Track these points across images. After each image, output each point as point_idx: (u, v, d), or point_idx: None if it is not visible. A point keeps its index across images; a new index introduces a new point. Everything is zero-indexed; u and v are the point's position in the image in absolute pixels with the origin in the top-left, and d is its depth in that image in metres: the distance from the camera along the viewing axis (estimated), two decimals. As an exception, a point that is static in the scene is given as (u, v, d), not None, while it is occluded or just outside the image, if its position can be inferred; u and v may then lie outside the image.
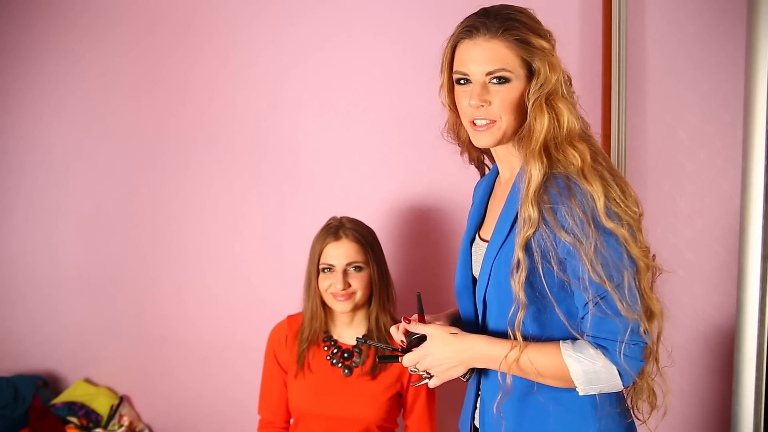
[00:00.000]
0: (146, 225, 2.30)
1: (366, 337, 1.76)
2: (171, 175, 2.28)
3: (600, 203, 1.09)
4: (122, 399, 2.30)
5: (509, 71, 1.16)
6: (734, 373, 1.34)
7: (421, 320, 1.28)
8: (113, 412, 2.25)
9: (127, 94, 2.28)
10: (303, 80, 2.19)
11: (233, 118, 2.23)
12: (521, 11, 1.19)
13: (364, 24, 2.14)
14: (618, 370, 1.11)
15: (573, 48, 1.99)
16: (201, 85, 2.24)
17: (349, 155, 2.18)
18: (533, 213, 1.11)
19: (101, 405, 2.25)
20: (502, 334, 1.21)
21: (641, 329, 1.10)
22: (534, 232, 1.12)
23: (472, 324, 1.30)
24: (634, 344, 1.10)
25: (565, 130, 1.15)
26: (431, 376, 1.25)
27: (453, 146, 1.42)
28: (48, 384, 2.33)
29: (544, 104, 1.15)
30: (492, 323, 1.25)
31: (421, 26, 2.10)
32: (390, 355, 1.32)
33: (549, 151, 1.15)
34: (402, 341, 1.28)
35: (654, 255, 1.18)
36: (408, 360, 1.25)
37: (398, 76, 2.13)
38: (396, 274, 2.10)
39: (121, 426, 2.24)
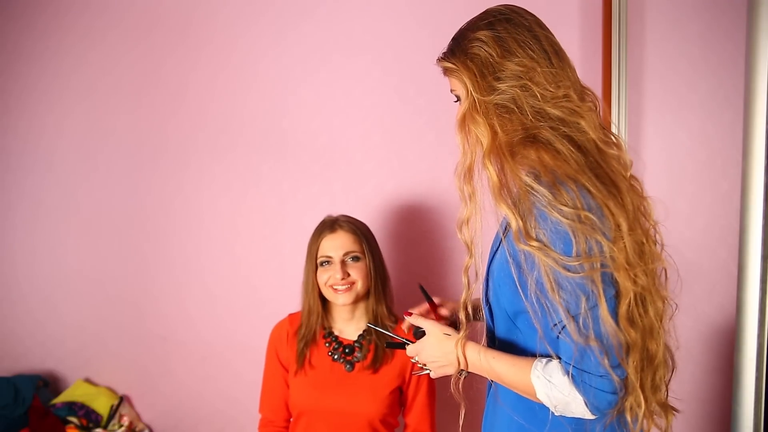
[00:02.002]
0: (147, 225, 2.30)
1: (366, 332, 1.78)
2: (171, 175, 2.28)
3: (563, 227, 1.03)
4: (122, 399, 2.30)
5: (457, 93, 1.20)
6: (734, 373, 1.34)
7: (432, 307, 1.39)
8: (113, 412, 2.25)
9: (127, 95, 2.29)
10: (303, 80, 2.19)
11: (233, 119, 2.23)
12: (461, 36, 1.18)
13: (364, 24, 2.14)
14: (583, 401, 1.06)
15: (573, 48, 1.99)
16: (201, 86, 2.24)
17: (349, 155, 2.18)
18: (534, 245, 1.06)
19: (101, 405, 2.25)
20: (507, 341, 1.22)
21: (604, 361, 1.03)
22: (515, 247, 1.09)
23: (489, 329, 1.30)
24: (599, 376, 1.04)
25: (485, 147, 1.11)
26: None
27: (453, 146, 1.41)
28: (48, 384, 2.33)
29: (462, 138, 1.15)
30: (498, 328, 1.25)
31: (420, 26, 2.10)
32: (397, 343, 1.42)
33: (506, 182, 1.10)
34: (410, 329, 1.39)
35: (664, 268, 1.16)
36: (409, 350, 1.32)
37: (398, 77, 2.13)
38: (396, 273, 2.10)
39: (121, 426, 2.24)
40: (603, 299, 1.03)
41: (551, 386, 1.08)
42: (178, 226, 2.29)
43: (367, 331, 1.78)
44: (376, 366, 1.74)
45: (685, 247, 1.99)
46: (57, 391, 2.34)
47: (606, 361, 1.04)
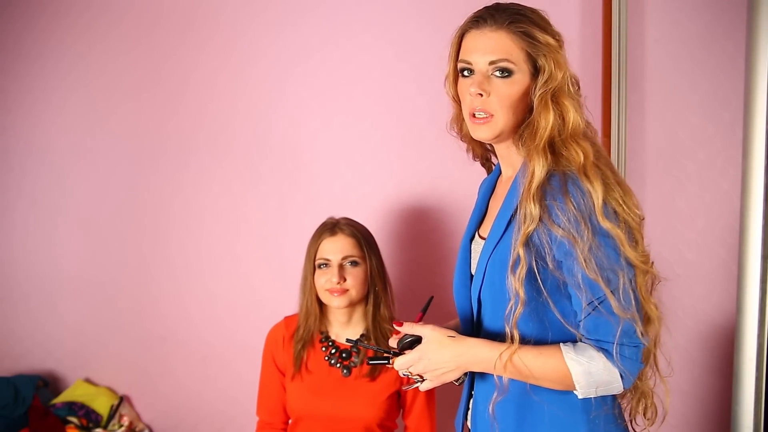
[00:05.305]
0: (146, 225, 2.30)
1: (363, 336, 1.76)
2: (171, 175, 2.28)
3: (598, 202, 1.09)
4: (122, 399, 2.30)
5: (512, 63, 1.16)
6: (734, 373, 1.34)
7: (420, 319, 1.28)
8: (113, 412, 2.25)
9: (127, 94, 2.28)
10: (303, 80, 2.19)
11: (233, 119, 2.23)
12: (532, 10, 1.20)
13: (364, 24, 2.14)
14: (619, 373, 1.10)
15: (573, 48, 1.98)
16: (201, 86, 2.24)
17: (349, 155, 2.18)
18: (534, 209, 1.11)
19: (101, 405, 2.25)
20: (496, 333, 1.20)
21: (637, 331, 1.09)
22: (534, 229, 1.12)
23: (468, 323, 1.30)
24: (634, 346, 1.10)
25: (570, 127, 1.15)
26: (422, 380, 1.22)
27: (453, 146, 1.42)
28: (48, 384, 2.33)
29: (549, 101, 1.15)
30: (487, 322, 1.24)
31: (420, 27, 2.10)
32: (380, 357, 1.29)
33: (553, 148, 1.14)
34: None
35: (652, 262, 1.16)
36: (400, 363, 1.22)
37: (398, 77, 2.13)
38: (396, 274, 2.10)
39: (121, 426, 2.24)
40: (629, 274, 1.10)
41: (588, 364, 1.10)
42: (178, 226, 2.29)
43: (364, 336, 1.77)
44: (374, 375, 1.73)
45: (685, 247, 1.99)
46: (57, 391, 2.34)
47: (637, 331, 1.09)
